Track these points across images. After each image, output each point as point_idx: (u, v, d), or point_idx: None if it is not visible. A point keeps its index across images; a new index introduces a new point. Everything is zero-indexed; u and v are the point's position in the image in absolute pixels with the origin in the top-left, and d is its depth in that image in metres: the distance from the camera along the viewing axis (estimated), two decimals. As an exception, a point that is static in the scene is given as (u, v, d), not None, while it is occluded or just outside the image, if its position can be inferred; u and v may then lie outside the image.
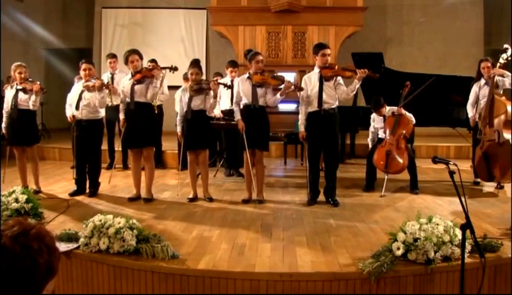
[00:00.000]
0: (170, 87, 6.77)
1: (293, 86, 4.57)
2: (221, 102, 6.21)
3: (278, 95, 4.66)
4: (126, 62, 4.74)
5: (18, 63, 5.09)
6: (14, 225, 1.08)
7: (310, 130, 4.65)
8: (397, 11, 10.38)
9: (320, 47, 4.65)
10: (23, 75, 5.00)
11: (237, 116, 4.77)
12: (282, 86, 4.61)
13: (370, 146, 5.45)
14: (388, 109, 5.22)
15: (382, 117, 5.26)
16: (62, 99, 5.15)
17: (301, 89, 4.54)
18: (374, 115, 5.41)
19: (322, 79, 4.56)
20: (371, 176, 5.32)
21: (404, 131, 5.05)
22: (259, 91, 4.65)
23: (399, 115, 5.09)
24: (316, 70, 4.66)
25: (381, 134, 5.31)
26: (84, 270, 3.12)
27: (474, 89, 5.45)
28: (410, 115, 5.14)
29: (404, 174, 5.17)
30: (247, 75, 4.75)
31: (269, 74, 4.74)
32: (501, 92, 5.14)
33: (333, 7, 9.02)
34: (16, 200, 3.94)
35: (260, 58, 4.71)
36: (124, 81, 4.88)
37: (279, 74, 5.03)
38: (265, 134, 4.74)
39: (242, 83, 4.73)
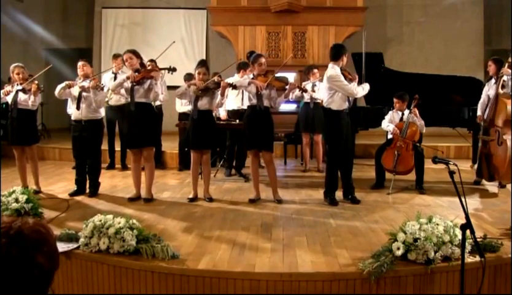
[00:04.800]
0: (169, 87, 6.76)
1: (297, 88, 4.54)
2: (228, 103, 6.21)
3: (282, 97, 4.67)
4: (124, 62, 4.76)
5: (16, 64, 5.10)
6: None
7: (338, 129, 4.61)
8: (397, 11, 10.37)
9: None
10: (21, 76, 5.02)
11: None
12: (287, 87, 4.61)
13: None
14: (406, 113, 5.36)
15: (399, 114, 5.37)
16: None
17: (305, 90, 4.54)
18: (390, 114, 5.47)
19: None
20: (380, 174, 5.39)
21: (413, 135, 5.17)
22: (264, 92, 4.66)
23: (409, 121, 5.21)
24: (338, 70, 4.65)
25: (390, 136, 5.41)
26: (84, 270, 3.11)
27: (485, 88, 5.42)
28: (422, 123, 5.25)
29: (410, 174, 5.24)
30: (251, 76, 4.76)
31: (272, 75, 4.74)
32: (510, 92, 4.96)
33: (333, 7, 9.01)
34: (16, 200, 3.94)
35: (263, 60, 4.73)
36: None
37: (279, 74, 5.03)
38: (269, 135, 4.76)
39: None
